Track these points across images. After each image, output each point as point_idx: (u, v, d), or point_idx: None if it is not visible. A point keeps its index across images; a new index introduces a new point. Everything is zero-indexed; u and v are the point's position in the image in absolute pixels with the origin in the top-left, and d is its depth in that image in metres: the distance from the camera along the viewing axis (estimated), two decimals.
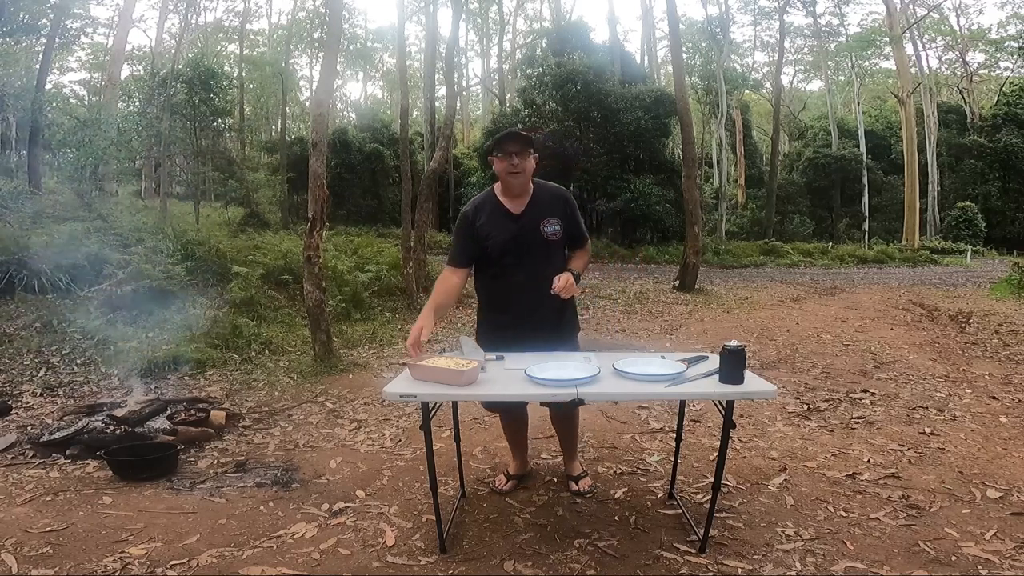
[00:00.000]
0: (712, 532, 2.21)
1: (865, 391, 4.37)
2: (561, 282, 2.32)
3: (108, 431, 3.28)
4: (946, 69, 31.98)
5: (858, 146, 28.34)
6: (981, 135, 27.73)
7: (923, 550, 2.17)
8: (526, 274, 2.42)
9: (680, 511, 2.48)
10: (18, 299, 5.79)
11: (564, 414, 2.66)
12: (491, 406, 2.77)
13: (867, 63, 31.31)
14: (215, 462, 3.14)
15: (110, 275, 6.21)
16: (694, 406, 3.77)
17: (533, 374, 2.03)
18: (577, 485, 2.68)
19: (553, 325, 2.50)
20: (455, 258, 2.50)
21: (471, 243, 2.46)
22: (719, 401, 2.08)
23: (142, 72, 24.47)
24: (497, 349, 2.34)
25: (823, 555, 2.15)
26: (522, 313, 2.45)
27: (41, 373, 4.61)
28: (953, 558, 2.12)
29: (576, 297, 2.53)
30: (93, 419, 3.41)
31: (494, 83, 31.47)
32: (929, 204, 27.09)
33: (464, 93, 35.10)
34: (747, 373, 2.03)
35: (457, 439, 2.65)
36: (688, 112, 11.91)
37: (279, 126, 28.71)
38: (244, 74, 27.83)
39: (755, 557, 2.14)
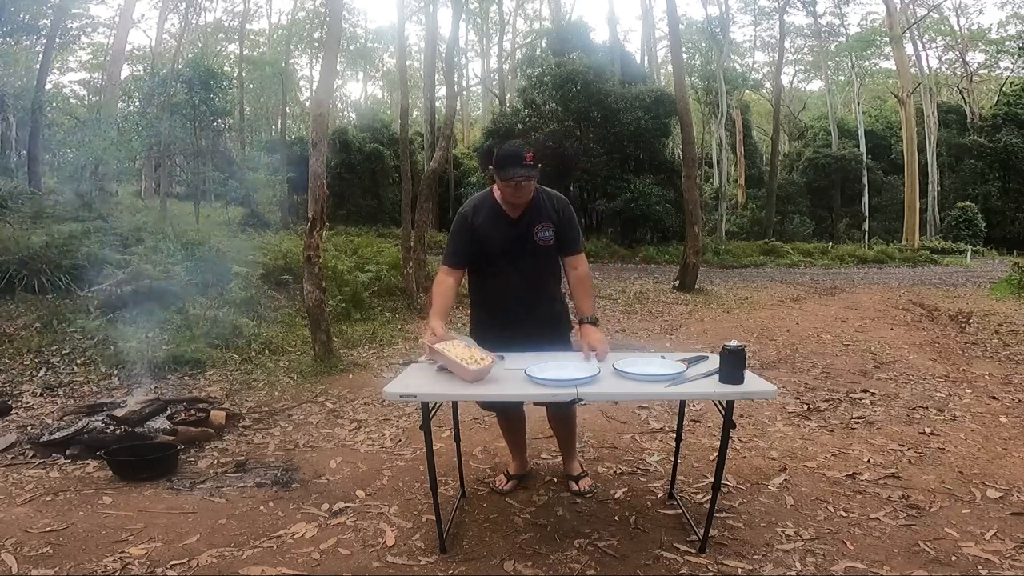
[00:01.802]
0: (712, 532, 2.21)
1: (865, 391, 4.37)
2: (598, 351, 2.25)
3: (108, 431, 3.28)
4: (946, 69, 32.04)
5: (858, 146, 28.35)
6: (981, 135, 27.75)
7: (923, 550, 2.17)
8: (522, 275, 2.44)
9: (680, 511, 2.48)
10: (18, 299, 5.79)
11: (562, 414, 2.66)
12: (488, 405, 2.78)
13: (867, 63, 31.32)
14: (215, 462, 3.14)
15: (110, 275, 6.20)
16: (694, 406, 3.77)
17: (533, 374, 2.03)
18: (577, 485, 2.68)
19: (550, 323, 2.51)
20: (452, 259, 2.46)
21: (469, 243, 2.44)
22: (719, 401, 2.08)
23: (142, 72, 24.49)
24: (494, 348, 2.34)
25: (823, 555, 2.15)
26: (519, 312, 2.46)
27: (41, 373, 4.61)
28: (953, 558, 2.12)
29: (567, 296, 2.58)
30: (93, 419, 3.41)
31: (494, 83, 31.47)
32: (929, 204, 27.10)
33: (464, 93, 35.10)
34: (747, 373, 2.03)
35: (457, 439, 2.65)
36: (688, 112, 11.91)
37: (279, 126, 28.71)
38: (244, 74, 27.79)
39: (755, 557, 2.14)
